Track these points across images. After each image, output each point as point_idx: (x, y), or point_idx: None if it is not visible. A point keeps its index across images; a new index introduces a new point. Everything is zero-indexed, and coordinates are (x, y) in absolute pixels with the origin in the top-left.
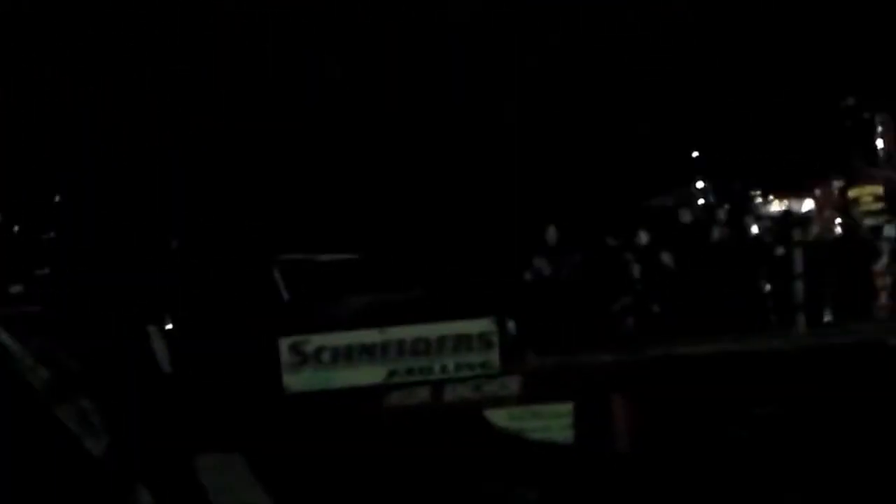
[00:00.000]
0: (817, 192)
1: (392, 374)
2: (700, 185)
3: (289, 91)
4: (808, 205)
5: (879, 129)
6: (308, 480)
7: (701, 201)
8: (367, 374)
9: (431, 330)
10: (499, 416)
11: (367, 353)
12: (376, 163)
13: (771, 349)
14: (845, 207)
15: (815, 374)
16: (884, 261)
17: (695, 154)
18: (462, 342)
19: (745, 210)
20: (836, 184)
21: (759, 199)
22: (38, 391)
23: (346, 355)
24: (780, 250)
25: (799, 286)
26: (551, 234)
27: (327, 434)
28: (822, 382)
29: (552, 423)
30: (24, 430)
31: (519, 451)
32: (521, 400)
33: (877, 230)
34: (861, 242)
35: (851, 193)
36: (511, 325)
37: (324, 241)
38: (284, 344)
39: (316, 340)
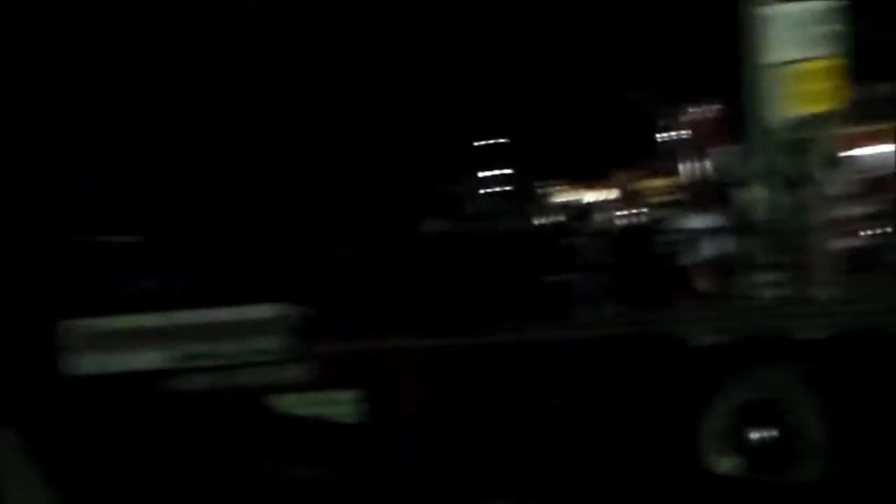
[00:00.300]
0: (609, 182)
1: (176, 358)
2: (491, 173)
3: None
4: (599, 195)
5: (670, 120)
6: (87, 462)
7: (491, 190)
8: (150, 359)
9: (218, 315)
10: (292, 401)
11: (151, 336)
12: (165, 144)
13: (552, 339)
14: (636, 198)
15: (597, 365)
16: (699, 252)
17: (488, 142)
18: (249, 327)
19: (532, 200)
20: (629, 175)
21: (551, 189)
22: None
23: (129, 339)
24: (567, 241)
25: (586, 277)
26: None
27: (105, 417)
28: (603, 373)
29: (343, 407)
30: None
31: (305, 434)
32: (307, 386)
33: (669, 221)
34: (649, 233)
35: (643, 184)
36: (301, 311)
37: (113, 223)
38: (63, 326)
39: (96, 323)
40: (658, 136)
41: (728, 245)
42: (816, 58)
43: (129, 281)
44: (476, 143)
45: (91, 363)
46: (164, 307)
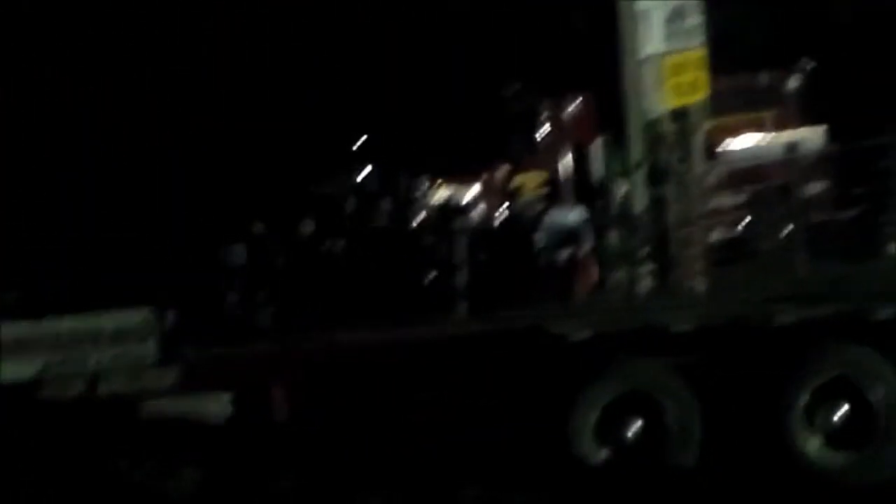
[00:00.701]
0: (482, 179)
1: (46, 367)
2: (365, 172)
3: None
4: (473, 192)
5: (542, 116)
6: None
7: (364, 189)
8: (19, 369)
9: (87, 322)
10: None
11: (16, 346)
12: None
13: (428, 337)
14: (509, 194)
15: (474, 361)
16: (572, 246)
17: (361, 141)
18: (118, 334)
19: (407, 199)
20: (501, 171)
21: (426, 187)
22: None
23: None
24: (440, 238)
25: (459, 274)
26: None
27: None
28: (479, 368)
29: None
30: None
31: (176, 436)
32: (178, 391)
33: (543, 216)
34: (523, 229)
35: (517, 180)
36: (170, 316)
37: None
38: None
39: None
40: (532, 131)
41: (601, 239)
42: (684, 49)
43: None
44: (349, 143)
45: None
46: (29, 316)
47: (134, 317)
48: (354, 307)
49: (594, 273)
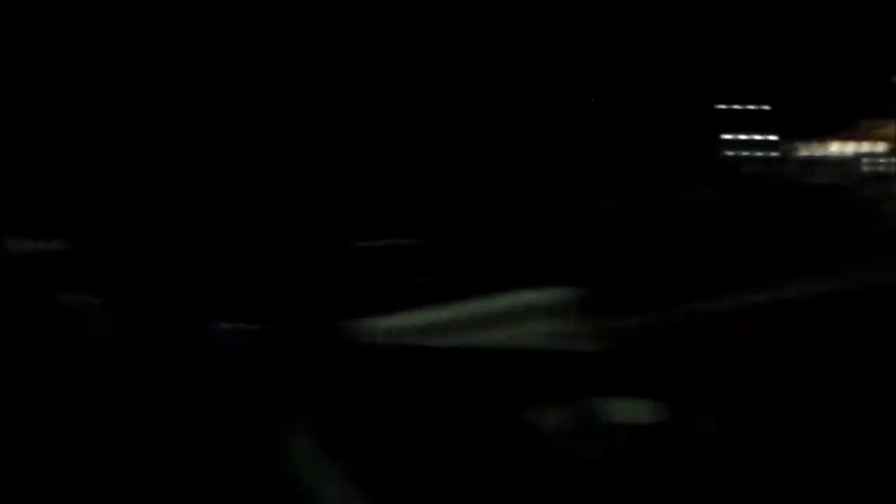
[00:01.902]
0: (859, 133)
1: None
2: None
3: None
4: (855, 148)
5: None
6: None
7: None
8: None
9: (491, 304)
10: None
11: (431, 331)
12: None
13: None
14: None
15: None
16: None
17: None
18: (523, 313)
19: (791, 159)
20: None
21: (803, 146)
22: None
23: (411, 335)
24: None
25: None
26: None
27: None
28: None
29: None
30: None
31: None
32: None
33: None
34: None
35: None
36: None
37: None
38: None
39: (379, 322)
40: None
41: None
42: None
43: (399, 280)
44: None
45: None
46: (434, 302)
47: (546, 295)
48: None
49: None
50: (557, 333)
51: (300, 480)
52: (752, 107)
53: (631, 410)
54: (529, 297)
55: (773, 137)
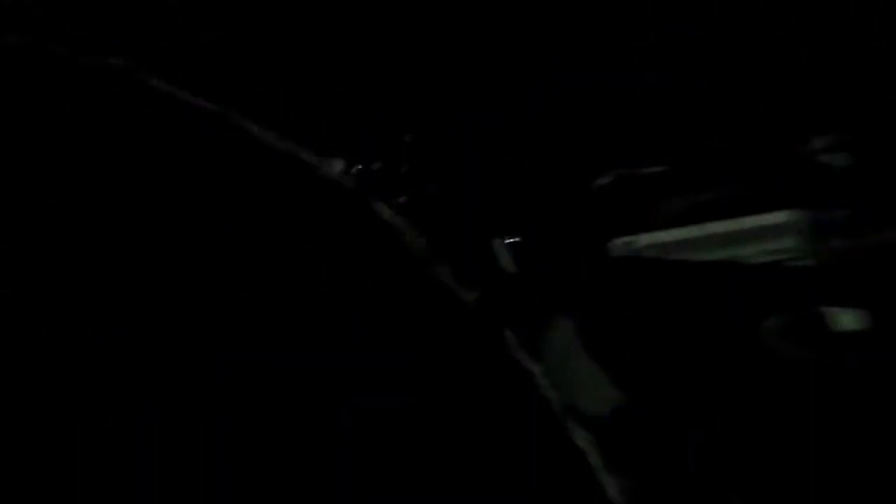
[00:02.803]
0: None
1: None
2: None
3: None
4: None
5: None
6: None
7: None
8: None
9: (741, 223)
10: None
11: (688, 248)
12: None
13: None
14: None
15: None
16: None
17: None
18: (768, 232)
19: None
20: None
21: None
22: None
23: (670, 251)
24: None
25: None
26: None
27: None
28: None
29: None
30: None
31: None
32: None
33: None
34: None
35: None
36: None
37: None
38: (616, 243)
39: (643, 239)
40: None
41: None
42: None
43: (659, 201)
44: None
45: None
46: (694, 221)
47: (775, 216)
48: None
49: None
50: (789, 250)
51: (563, 371)
52: None
53: (850, 320)
54: (767, 218)
55: None
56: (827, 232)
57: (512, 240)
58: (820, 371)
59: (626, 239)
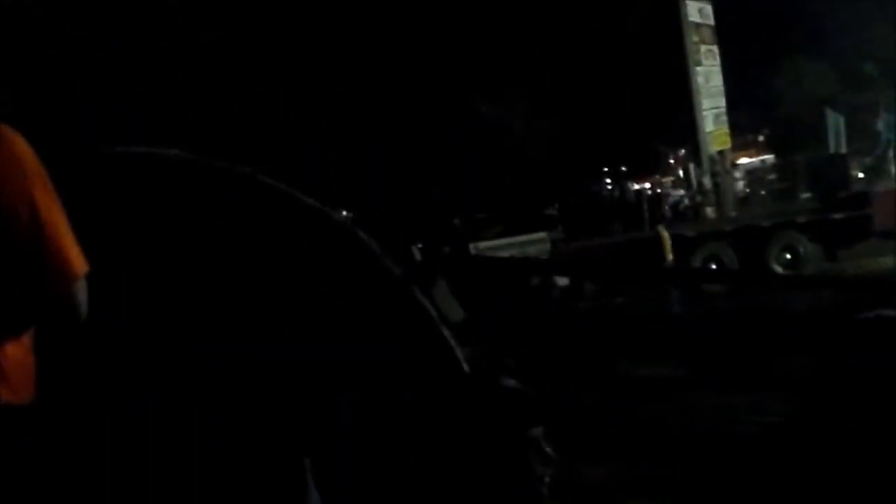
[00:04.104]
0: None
1: None
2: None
3: None
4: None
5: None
6: None
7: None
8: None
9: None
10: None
11: (499, 249)
12: None
13: None
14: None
15: None
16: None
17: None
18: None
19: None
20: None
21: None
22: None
23: (494, 251)
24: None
25: None
26: None
27: None
28: None
29: None
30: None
31: None
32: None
33: None
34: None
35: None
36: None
37: None
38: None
39: (481, 245)
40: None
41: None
42: (719, 128)
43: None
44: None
45: None
46: (501, 237)
47: (538, 235)
48: None
49: None
50: (545, 250)
51: (442, 303)
52: None
53: None
54: (533, 236)
55: None
56: (555, 243)
57: (419, 244)
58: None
59: (473, 245)
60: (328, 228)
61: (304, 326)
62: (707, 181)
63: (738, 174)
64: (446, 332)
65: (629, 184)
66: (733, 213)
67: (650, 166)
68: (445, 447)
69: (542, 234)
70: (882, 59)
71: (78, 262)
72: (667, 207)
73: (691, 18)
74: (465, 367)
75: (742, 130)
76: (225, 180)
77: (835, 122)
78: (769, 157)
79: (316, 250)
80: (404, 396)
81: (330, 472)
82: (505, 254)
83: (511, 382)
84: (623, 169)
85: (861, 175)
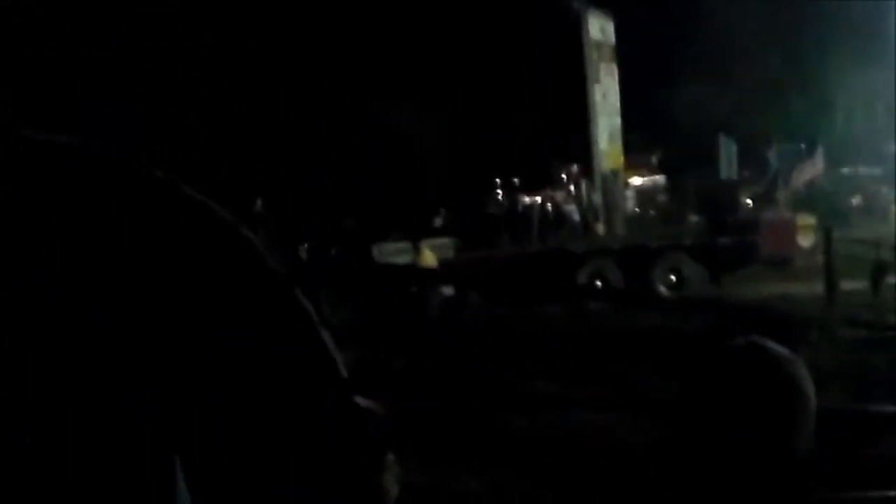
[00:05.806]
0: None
1: None
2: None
3: None
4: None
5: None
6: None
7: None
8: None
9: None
10: None
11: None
12: None
13: None
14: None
15: None
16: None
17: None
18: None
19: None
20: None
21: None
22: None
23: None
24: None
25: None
26: None
27: None
28: None
29: None
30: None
31: None
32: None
33: None
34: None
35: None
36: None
37: None
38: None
39: (384, 248)
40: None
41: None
42: (614, 147)
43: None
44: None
45: None
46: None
47: (441, 240)
48: None
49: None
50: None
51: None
52: None
53: None
54: (437, 241)
55: None
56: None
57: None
58: None
59: (376, 247)
60: (208, 223)
61: (175, 322)
62: (598, 198)
63: (629, 193)
64: (325, 336)
65: (520, 196)
66: (622, 232)
67: (543, 180)
68: (315, 451)
69: (445, 240)
70: (777, 90)
71: None
72: (556, 222)
73: (592, 35)
74: (343, 371)
75: (636, 150)
76: (102, 170)
77: (728, 148)
78: (661, 179)
79: (193, 244)
80: (278, 399)
81: (200, 470)
82: (407, 258)
83: (364, 402)
84: (515, 181)
85: (750, 202)
